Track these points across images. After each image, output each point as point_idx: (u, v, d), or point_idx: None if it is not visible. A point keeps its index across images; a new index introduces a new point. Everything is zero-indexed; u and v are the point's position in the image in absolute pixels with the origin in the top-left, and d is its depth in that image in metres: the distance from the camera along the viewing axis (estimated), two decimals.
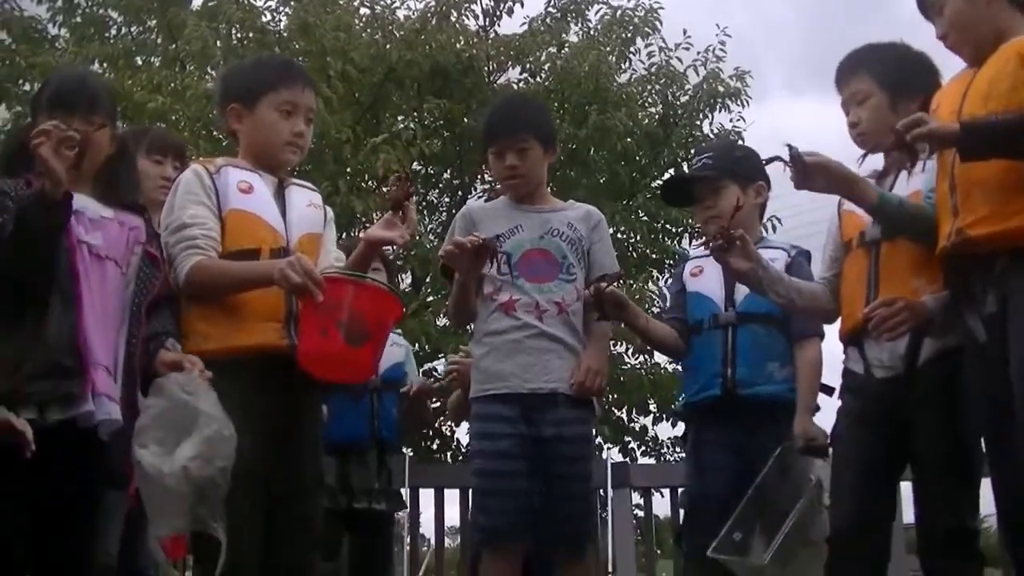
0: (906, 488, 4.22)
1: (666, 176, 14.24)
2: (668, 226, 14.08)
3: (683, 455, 6.01)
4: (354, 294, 3.81)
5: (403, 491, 5.89)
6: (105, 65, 14.30)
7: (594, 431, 4.80)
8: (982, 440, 3.84)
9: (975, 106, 3.62)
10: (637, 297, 11.60)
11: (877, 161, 4.26)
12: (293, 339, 3.83)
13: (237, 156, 4.18)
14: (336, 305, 3.72)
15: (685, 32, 14.23)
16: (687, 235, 14.10)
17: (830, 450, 4.35)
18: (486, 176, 13.36)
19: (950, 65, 4.02)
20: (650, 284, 13.60)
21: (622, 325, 4.87)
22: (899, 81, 4.16)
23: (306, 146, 4.19)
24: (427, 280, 13.52)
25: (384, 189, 4.37)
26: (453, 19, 13.34)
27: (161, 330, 3.75)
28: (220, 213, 3.92)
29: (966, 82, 3.74)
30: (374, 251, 4.19)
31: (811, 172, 3.85)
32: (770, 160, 4.08)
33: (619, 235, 13.78)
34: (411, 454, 10.81)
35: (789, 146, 3.89)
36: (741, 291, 4.64)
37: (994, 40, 3.71)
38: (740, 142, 13.48)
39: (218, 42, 12.59)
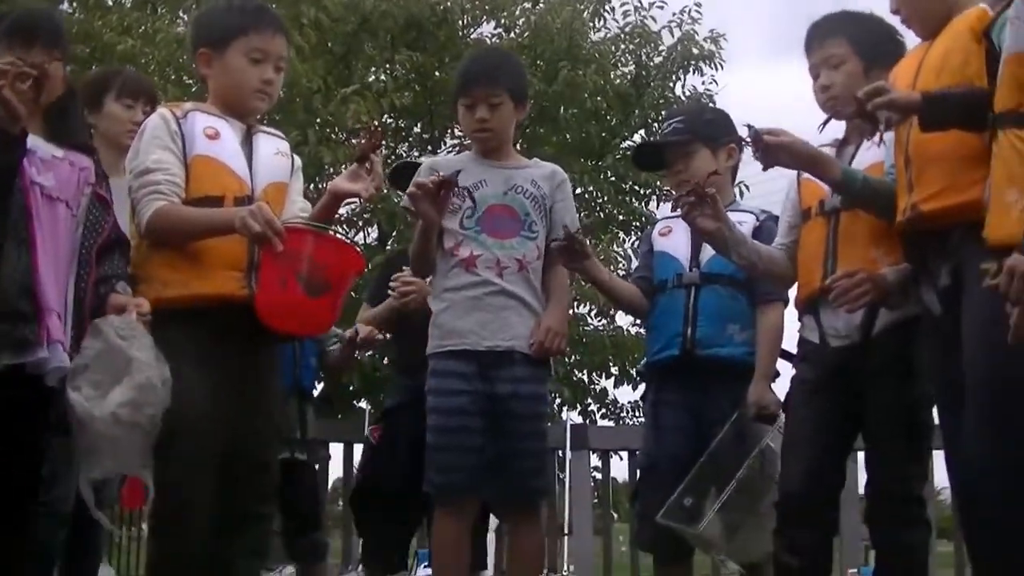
0: (862, 458, 4.24)
1: (636, 137, 14.26)
2: (636, 187, 14.07)
3: (643, 419, 6.03)
4: (315, 245, 3.81)
5: None
6: (75, 4, 14.17)
7: (551, 391, 4.79)
8: (934, 411, 3.89)
9: (928, 80, 3.63)
10: (603, 258, 11.61)
11: (838, 128, 4.28)
12: (253, 289, 3.82)
13: (206, 101, 4.14)
14: (296, 256, 3.72)
15: None
16: (655, 198, 14.09)
17: (781, 418, 4.37)
18: (456, 131, 13.31)
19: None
20: (615, 245, 13.60)
21: (584, 283, 4.89)
22: (875, 50, 4.16)
23: (275, 94, 4.16)
24: (393, 235, 13.47)
25: (354, 141, 4.33)
26: None
27: (111, 273, 3.71)
28: (185, 159, 3.89)
29: (919, 57, 3.75)
30: (338, 203, 4.16)
31: (773, 151, 3.86)
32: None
33: (586, 195, 13.77)
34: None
35: (748, 126, 3.91)
36: (707, 252, 4.64)
37: (945, 14, 3.71)
38: (711, 105, 13.50)
39: None
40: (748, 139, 3.89)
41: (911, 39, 3.97)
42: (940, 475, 4.18)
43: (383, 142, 4.28)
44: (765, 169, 3.97)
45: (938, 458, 3.99)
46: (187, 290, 3.81)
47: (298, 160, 4.29)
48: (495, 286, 4.36)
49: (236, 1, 4.18)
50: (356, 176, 4.07)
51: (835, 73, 4.17)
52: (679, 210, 4.33)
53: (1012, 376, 3.17)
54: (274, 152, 4.12)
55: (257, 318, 3.78)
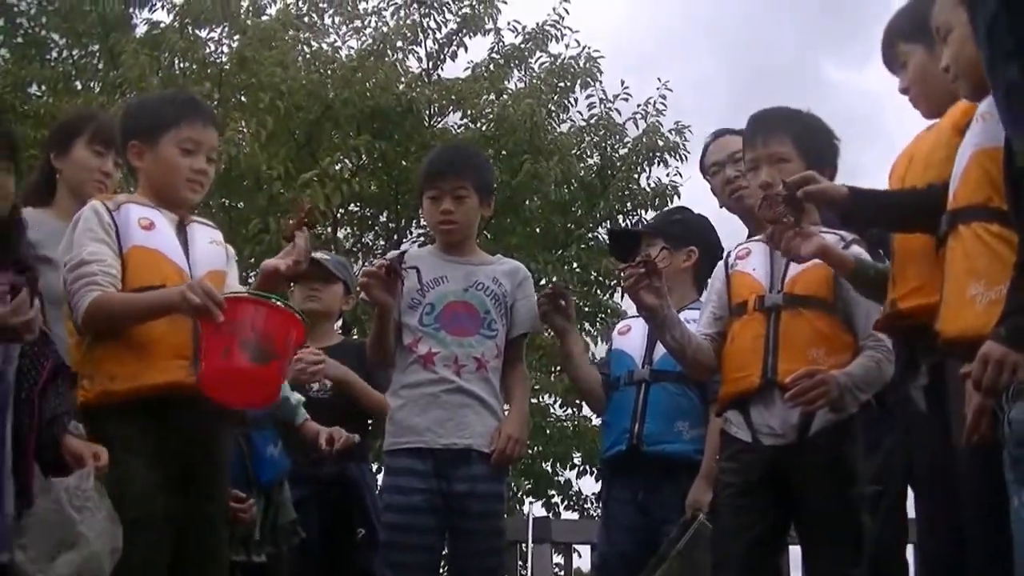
0: (795, 552, 4.23)
1: (601, 229, 14.29)
2: (601, 278, 14.07)
3: None
4: (256, 313, 3.77)
5: None
6: (43, 88, 14.18)
7: (511, 483, 4.77)
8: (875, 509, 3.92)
9: (917, 173, 3.66)
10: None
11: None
12: None
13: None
14: (238, 325, 3.69)
15: (623, 83, 14.26)
16: (620, 289, 14.09)
17: (699, 519, 4.33)
18: (423, 220, 13.32)
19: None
20: (582, 336, 13.57)
21: (549, 371, 4.92)
22: (817, 152, 4.21)
23: (208, 183, 4.15)
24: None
25: (289, 220, 4.32)
26: (393, 59, 13.29)
27: (60, 411, 3.60)
28: (121, 250, 3.87)
29: (913, 149, 3.77)
30: (267, 282, 4.12)
31: (814, 197, 3.82)
32: None
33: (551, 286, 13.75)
34: None
35: (783, 182, 3.85)
36: (659, 350, 4.63)
37: (952, 98, 3.73)
38: (677, 198, 13.58)
39: (159, 71, 12.49)
40: (782, 194, 3.81)
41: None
42: None
43: (312, 222, 4.29)
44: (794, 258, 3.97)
45: None
46: (135, 382, 3.76)
47: (231, 249, 4.28)
48: (452, 384, 4.35)
49: (167, 93, 4.17)
50: (287, 254, 4.09)
51: (776, 172, 4.16)
52: (623, 280, 4.34)
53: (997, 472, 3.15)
54: (209, 241, 4.11)
55: (205, 405, 3.74)
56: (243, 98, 12.34)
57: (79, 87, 14.41)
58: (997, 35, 2.60)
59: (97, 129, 4.61)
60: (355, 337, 7.16)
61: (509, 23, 14.30)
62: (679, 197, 13.62)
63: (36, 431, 3.52)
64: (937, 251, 3.40)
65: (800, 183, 3.69)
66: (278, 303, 3.86)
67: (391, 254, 4.43)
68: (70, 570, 3.31)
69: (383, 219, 14.73)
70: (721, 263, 4.39)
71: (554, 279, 12.51)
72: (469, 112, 13.82)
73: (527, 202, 13.41)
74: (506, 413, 4.48)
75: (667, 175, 14.22)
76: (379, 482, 5.04)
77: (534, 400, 12.75)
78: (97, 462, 3.51)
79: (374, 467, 5.95)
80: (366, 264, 14.27)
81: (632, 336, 4.86)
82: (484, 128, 13.56)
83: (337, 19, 14.30)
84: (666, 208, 12.96)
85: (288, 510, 4.73)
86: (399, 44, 13.47)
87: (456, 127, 13.95)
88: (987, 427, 2.96)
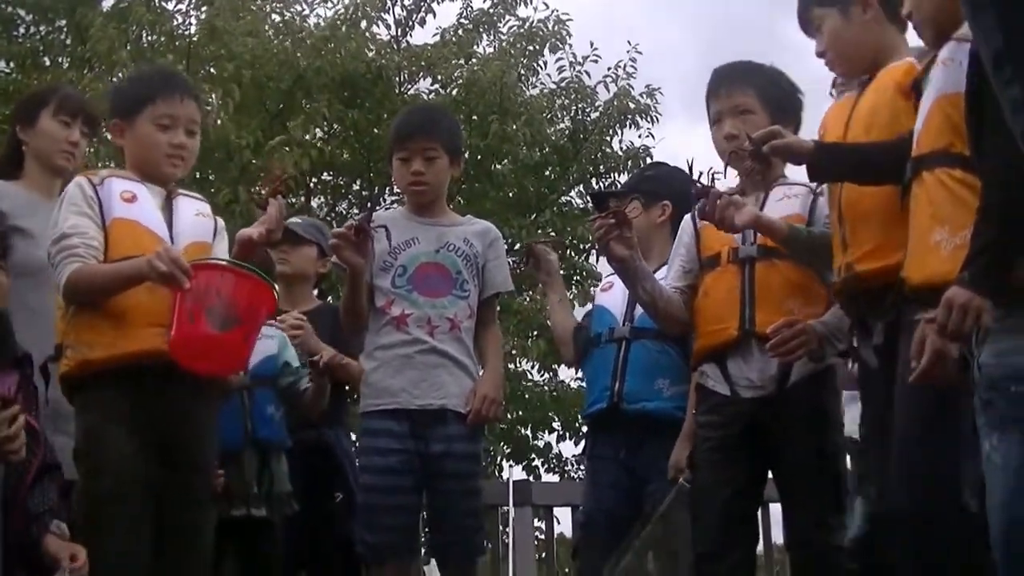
0: (776, 510, 4.26)
1: (574, 192, 14.31)
2: (575, 241, 14.09)
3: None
4: (223, 280, 3.78)
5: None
6: (11, 64, 14.10)
7: (490, 448, 4.78)
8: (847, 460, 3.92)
9: (857, 135, 3.67)
10: (541, 310, 11.62)
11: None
12: None
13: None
14: (205, 291, 3.70)
15: (592, 45, 14.25)
16: (595, 252, 14.11)
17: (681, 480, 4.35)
18: (395, 188, 13.30)
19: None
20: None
21: (526, 337, 4.94)
22: (780, 104, 4.22)
23: (190, 157, 4.15)
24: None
25: (260, 189, 4.33)
26: (363, 28, 13.27)
27: (43, 509, 3.61)
28: (104, 223, 3.87)
29: (848, 109, 3.76)
30: (243, 251, 4.07)
31: (781, 152, 3.81)
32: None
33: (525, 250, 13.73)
34: None
35: (749, 137, 3.81)
36: (640, 308, 4.61)
37: (872, 59, 3.75)
38: (650, 159, 13.57)
39: (128, 44, 12.42)
40: (748, 149, 3.79)
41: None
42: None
43: (283, 189, 4.30)
44: (731, 229, 3.99)
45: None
46: (112, 350, 3.77)
47: (221, 222, 4.27)
48: (426, 344, 4.36)
49: (144, 70, 4.18)
50: (260, 223, 4.09)
51: (741, 123, 4.17)
52: (594, 231, 4.35)
53: (936, 409, 3.17)
54: (194, 213, 4.11)
55: (183, 373, 3.74)
56: (212, 70, 12.27)
57: (47, 63, 14.34)
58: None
59: (62, 100, 4.65)
60: (330, 301, 7.15)
61: None
62: (651, 159, 13.60)
63: (24, 531, 3.54)
64: (902, 199, 3.41)
65: (766, 137, 3.69)
66: (246, 269, 3.85)
67: (359, 216, 4.43)
68: None
69: (356, 187, 14.71)
70: (688, 216, 4.38)
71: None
72: (439, 78, 13.80)
73: (498, 165, 13.39)
74: (480, 374, 4.47)
75: (639, 137, 14.24)
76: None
77: (511, 365, 12.76)
78: (74, 563, 3.52)
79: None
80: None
81: (613, 293, 4.82)
82: (455, 93, 13.53)
83: None
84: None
85: (284, 482, 4.75)
86: (369, 11, 13.42)
87: (426, 93, 13.93)
88: (941, 370, 2.98)
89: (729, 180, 4.26)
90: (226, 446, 4.46)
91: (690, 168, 4.06)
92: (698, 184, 4.02)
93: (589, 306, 5.58)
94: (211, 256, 4.01)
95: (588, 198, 13.98)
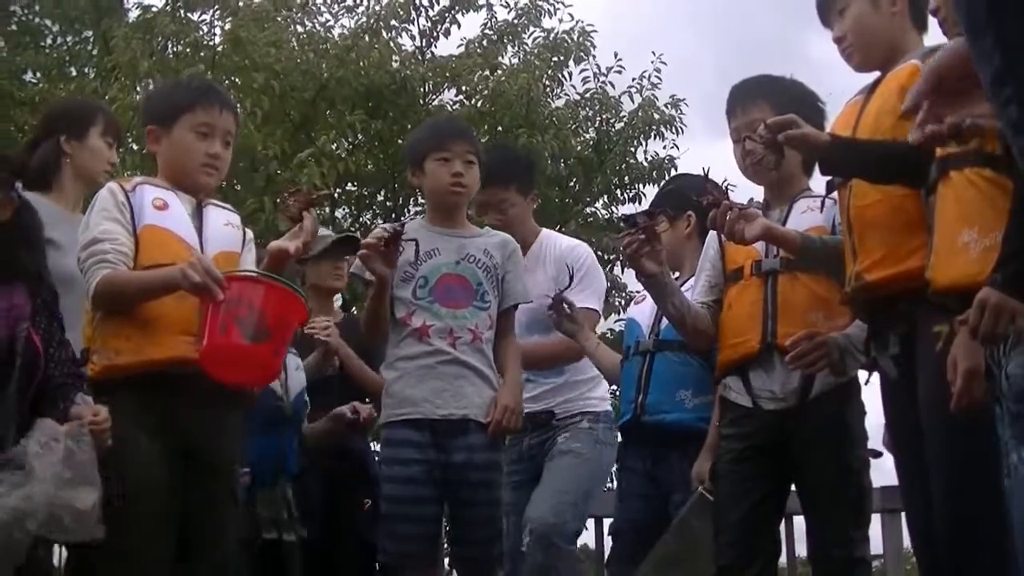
0: (800, 522, 4.24)
1: (599, 203, 14.30)
2: (600, 253, 14.06)
3: (609, 484, 6.08)
4: (255, 291, 3.81)
5: None
6: (38, 74, 14.19)
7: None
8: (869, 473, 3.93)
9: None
10: None
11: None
12: None
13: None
14: (238, 302, 3.72)
15: (617, 56, 14.23)
16: (620, 263, 14.08)
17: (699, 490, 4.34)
18: (420, 198, 13.30)
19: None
20: None
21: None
22: (797, 113, 4.19)
23: (224, 168, 4.19)
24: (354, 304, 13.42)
25: (279, 202, 4.36)
26: (386, 38, 13.28)
27: (65, 382, 3.67)
28: (135, 230, 3.90)
29: (855, 113, 3.75)
30: (275, 263, 4.10)
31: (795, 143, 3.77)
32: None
33: None
34: None
35: (765, 123, 3.79)
36: (666, 320, 4.62)
37: (887, 52, 3.74)
38: (675, 171, 13.53)
39: (152, 55, 12.47)
40: (763, 136, 3.75)
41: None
42: (873, 542, 4.15)
43: (318, 202, 4.34)
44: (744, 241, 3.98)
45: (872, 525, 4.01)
46: (139, 356, 3.80)
47: (250, 233, 4.30)
48: (448, 355, 4.36)
49: (184, 79, 4.21)
50: (293, 236, 4.10)
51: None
52: (623, 249, 4.37)
53: (970, 440, 3.14)
54: (224, 223, 4.14)
55: (210, 383, 3.76)
56: (237, 80, 12.30)
57: (73, 73, 14.44)
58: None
59: (108, 122, 4.73)
60: (354, 312, 7.20)
61: None
62: (676, 170, 13.56)
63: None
64: (926, 200, 3.38)
65: (782, 125, 3.66)
66: (279, 282, 3.87)
67: (389, 226, 4.43)
68: (8, 503, 3.28)
69: (380, 198, 14.72)
70: (713, 232, 4.36)
71: None
72: (464, 89, 13.79)
73: None
74: (500, 384, 4.47)
75: (664, 148, 14.21)
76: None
77: None
78: (95, 417, 3.55)
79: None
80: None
81: (643, 306, 4.88)
82: (479, 104, 13.53)
83: None
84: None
85: (293, 505, 4.81)
86: (392, 22, 13.44)
87: (451, 104, 13.92)
88: (978, 390, 2.95)
89: (755, 194, 4.27)
90: (264, 477, 4.56)
91: (705, 179, 4.07)
92: (710, 196, 4.02)
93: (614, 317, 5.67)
94: (240, 266, 4.03)
95: (613, 209, 13.99)
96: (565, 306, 4.90)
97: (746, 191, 4.84)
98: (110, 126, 4.70)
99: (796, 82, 4.36)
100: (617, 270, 13.72)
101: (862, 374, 4.03)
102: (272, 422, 4.71)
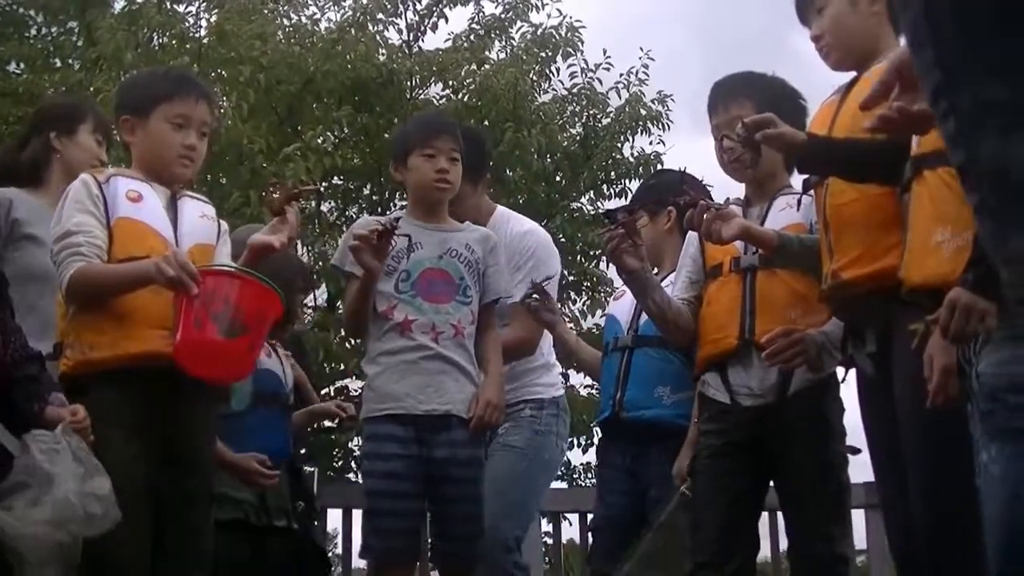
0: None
1: (585, 199, 14.29)
2: (586, 248, 14.06)
3: (594, 480, 6.11)
4: (231, 286, 3.79)
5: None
6: (22, 65, 14.14)
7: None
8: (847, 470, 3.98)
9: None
10: None
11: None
12: None
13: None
14: (213, 297, 3.71)
15: (605, 52, 14.22)
16: (605, 258, 14.07)
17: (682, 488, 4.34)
18: (406, 193, 13.27)
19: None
20: (566, 307, 13.55)
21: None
22: (779, 111, 4.17)
23: (199, 159, 4.16)
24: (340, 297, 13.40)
25: (263, 195, 4.34)
26: (372, 30, 13.26)
27: (38, 389, 3.63)
28: (108, 222, 3.88)
29: (831, 113, 3.75)
30: (256, 257, 4.07)
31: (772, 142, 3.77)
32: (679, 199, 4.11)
33: None
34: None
35: (742, 120, 3.80)
36: (646, 315, 4.63)
37: (864, 52, 3.74)
38: (661, 166, 13.54)
39: (138, 47, 12.44)
40: (741, 135, 3.76)
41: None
42: (856, 537, 4.16)
43: (302, 196, 4.30)
44: (719, 241, 3.98)
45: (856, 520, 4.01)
46: (113, 351, 3.78)
47: (225, 225, 4.27)
48: (431, 350, 4.35)
49: (160, 69, 4.18)
50: (275, 229, 4.07)
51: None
52: (605, 244, 4.37)
53: (946, 437, 3.14)
54: (199, 215, 4.12)
55: (185, 377, 3.74)
56: (223, 72, 12.27)
57: (58, 64, 14.38)
58: None
59: (98, 119, 4.73)
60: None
61: None
62: (662, 166, 13.57)
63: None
64: (900, 198, 3.38)
65: (760, 124, 3.65)
66: (255, 277, 3.85)
67: (383, 219, 4.41)
68: (45, 515, 3.30)
69: (366, 192, 14.70)
70: None
71: None
72: (450, 83, 13.78)
73: (509, 172, 13.37)
74: (482, 379, 4.46)
75: (650, 144, 14.21)
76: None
77: None
78: (74, 417, 3.54)
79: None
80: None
81: (623, 301, 4.90)
82: (466, 99, 13.52)
83: None
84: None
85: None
86: (379, 16, 13.43)
87: (438, 98, 13.91)
88: (954, 388, 2.96)
89: (737, 190, 4.28)
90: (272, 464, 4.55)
91: (682, 179, 4.08)
92: (687, 195, 4.03)
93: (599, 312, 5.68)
94: (215, 259, 4.02)
95: (599, 204, 13.98)
96: (535, 296, 4.87)
97: (727, 188, 4.83)
98: (100, 124, 4.69)
99: (778, 79, 4.36)
100: (603, 265, 13.71)
101: (839, 371, 4.04)
102: (280, 408, 4.73)
